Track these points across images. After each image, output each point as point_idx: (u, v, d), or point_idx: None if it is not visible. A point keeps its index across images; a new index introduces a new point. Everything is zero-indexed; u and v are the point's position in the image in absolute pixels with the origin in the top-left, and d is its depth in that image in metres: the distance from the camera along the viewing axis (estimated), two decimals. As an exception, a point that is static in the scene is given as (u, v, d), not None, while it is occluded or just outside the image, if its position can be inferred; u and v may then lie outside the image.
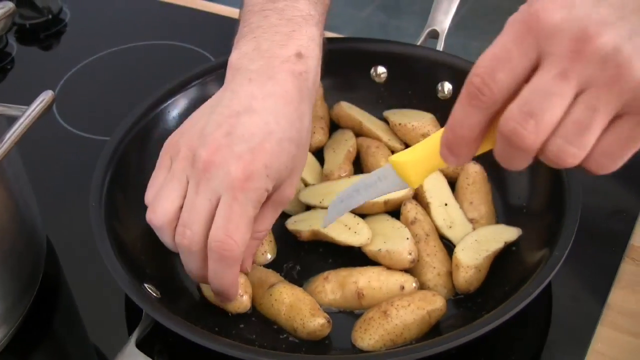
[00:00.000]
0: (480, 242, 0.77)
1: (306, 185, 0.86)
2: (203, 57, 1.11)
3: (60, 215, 0.88)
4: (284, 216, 0.82)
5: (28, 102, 0.65)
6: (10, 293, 0.72)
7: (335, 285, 0.75)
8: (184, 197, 0.68)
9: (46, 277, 0.80)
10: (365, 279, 0.74)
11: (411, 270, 0.76)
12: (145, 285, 0.72)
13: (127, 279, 0.70)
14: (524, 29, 0.50)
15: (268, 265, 0.79)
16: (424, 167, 0.61)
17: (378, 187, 0.66)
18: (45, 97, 0.64)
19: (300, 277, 0.78)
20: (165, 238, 0.70)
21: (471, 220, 0.81)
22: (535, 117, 0.50)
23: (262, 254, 0.80)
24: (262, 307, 0.74)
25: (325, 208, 0.81)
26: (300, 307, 0.71)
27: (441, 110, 0.88)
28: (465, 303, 0.74)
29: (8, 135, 0.61)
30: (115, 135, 0.83)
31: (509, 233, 0.78)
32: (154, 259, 0.78)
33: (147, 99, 0.88)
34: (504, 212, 0.83)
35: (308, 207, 0.84)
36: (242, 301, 0.73)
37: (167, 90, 0.89)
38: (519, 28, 0.51)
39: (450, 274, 0.76)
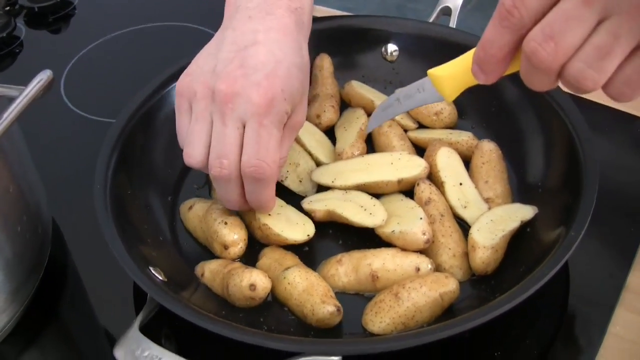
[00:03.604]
0: (496, 221, 0.75)
1: (318, 164, 0.85)
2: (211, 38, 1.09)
3: (66, 198, 0.88)
4: (299, 197, 0.81)
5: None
6: (16, 276, 0.71)
7: (349, 268, 0.73)
8: (212, 134, 0.71)
9: (52, 259, 0.79)
10: (380, 261, 0.73)
11: (426, 251, 0.74)
12: (151, 268, 0.71)
13: (131, 261, 0.68)
14: None
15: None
16: (457, 82, 0.65)
17: (416, 97, 0.70)
18: (43, 77, 0.64)
19: (310, 259, 0.76)
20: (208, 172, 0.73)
21: (486, 200, 0.79)
22: (555, 39, 0.52)
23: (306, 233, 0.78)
24: (275, 289, 0.72)
25: (338, 188, 0.80)
26: (312, 293, 0.70)
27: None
28: (479, 285, 0.73)
29: (5, 115, 0.60)
30: (121, 117, 0.82)
31: (524, 212, 0.76)
32: (161, 242, 0.77)
33: (153, 81, 0.87)
34: (519, 192, 0.81)
35: (320, 188, 0.82)
36: None
37: (172, 73, 0.87)
38: None
39: (466, 255, 0.74)
